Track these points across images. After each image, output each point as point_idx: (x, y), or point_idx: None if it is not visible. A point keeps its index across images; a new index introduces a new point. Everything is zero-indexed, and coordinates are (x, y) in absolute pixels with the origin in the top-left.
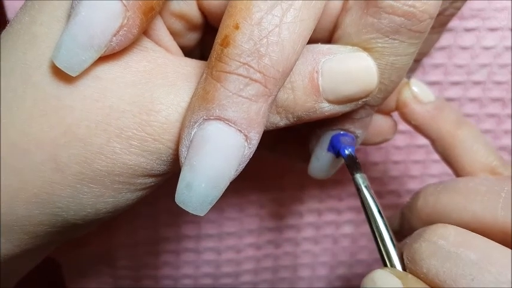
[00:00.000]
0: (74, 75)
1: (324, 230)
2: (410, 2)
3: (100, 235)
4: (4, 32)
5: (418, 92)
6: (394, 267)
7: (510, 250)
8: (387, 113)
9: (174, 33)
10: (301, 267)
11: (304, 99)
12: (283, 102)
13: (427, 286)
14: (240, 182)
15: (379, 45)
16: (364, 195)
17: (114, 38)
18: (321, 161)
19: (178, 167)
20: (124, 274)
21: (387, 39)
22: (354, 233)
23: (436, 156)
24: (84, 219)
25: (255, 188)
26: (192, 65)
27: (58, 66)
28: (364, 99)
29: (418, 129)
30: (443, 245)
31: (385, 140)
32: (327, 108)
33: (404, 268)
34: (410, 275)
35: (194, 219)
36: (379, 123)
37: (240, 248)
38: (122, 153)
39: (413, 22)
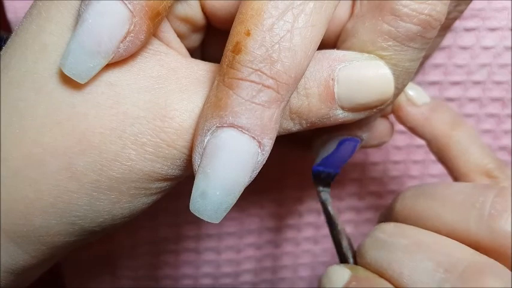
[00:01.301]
0: (82, 82)
1: (324, 230)
2: (427, 11)
3: None
4: (9, 42)
5: (412, 94)
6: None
7: (438, 234)
8: (385, 115)
9: (178, 36)
10: (301, 267)
11: (318, 106)
12: (298, 109)
13: (372, 274)
14: None
15: (396, 52)
16: (328, 210)
17: (122, 44)
18: None
19: (192, 170)
20: (124, 274)
21: (403, 46)
22: (353, 232)
23: None
24: (101, 226)
25: (255, 188)
26: (205, 69)
27: (66, 74)
28: (379, 107)
29: (413, 131)
30: (381, 237)
31: (383, 143)
32: (341, 116)
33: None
34: (359, 267)
35: (194, 220)
36: (377, 126)
37: (240, 248)
38: (137, 159)
39: (427, 30)
